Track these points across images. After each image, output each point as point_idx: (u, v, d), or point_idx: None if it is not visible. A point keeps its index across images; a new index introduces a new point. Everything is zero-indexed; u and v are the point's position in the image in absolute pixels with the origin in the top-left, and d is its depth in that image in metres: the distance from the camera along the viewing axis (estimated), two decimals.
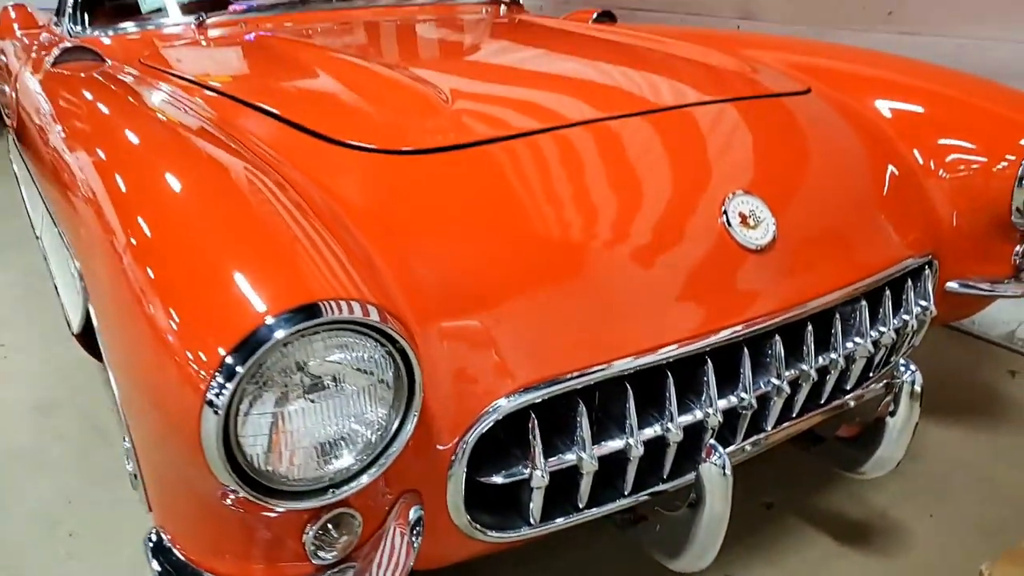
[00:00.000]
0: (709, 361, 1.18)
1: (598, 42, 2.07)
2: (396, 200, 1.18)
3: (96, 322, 1.14)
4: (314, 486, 0.91)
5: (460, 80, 1.64)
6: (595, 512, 1.18)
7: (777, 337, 1.24)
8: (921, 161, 1.59)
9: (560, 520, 1.16)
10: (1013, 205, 1.53)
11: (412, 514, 1.04)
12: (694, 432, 1.20)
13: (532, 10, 2.72)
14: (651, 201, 1.27)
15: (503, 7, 2.54)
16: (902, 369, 1.32)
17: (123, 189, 1.17)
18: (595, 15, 2.49)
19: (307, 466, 0.90)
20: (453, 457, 1.04)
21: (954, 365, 2.25)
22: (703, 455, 1.13)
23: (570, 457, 1.10)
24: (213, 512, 0.96)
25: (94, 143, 1.36)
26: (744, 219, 1.24)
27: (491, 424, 1.04)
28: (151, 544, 1.02)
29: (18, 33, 2.65)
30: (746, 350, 1.22)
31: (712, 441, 1.16)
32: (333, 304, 0.86)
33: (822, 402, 1.38)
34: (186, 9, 2.09)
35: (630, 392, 1.12)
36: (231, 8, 2.13)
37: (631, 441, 1.13)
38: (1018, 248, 1.61)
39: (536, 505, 1.12)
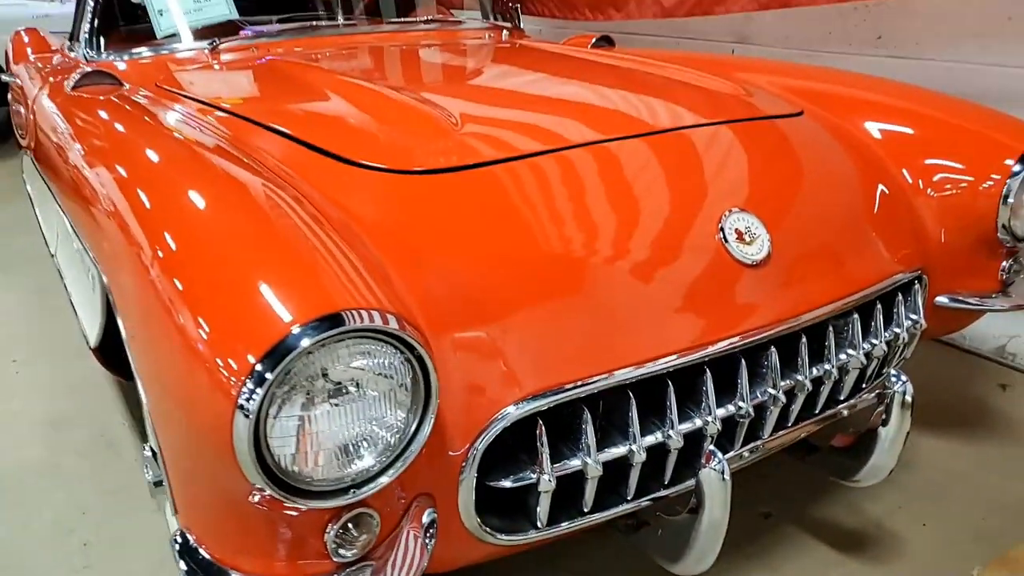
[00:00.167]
0: (708, 371, 1.23)
1: (598, 66, 2.14)
2: (408, 218, 1.23)
3: (124, 333, 1.19)
4: (336, 486, 0.96)
5: (468, 104, 1.70)
6: (599, 516, 1.22)
7: (773, 349, 1.29)
8: (910, 180, 1.65)
9: (566, 524, 1.20)
10: (999, 222, 1.58)
11: (426, 517, 1.08)
12: (694, 440, 1.24)
13: (532, 34, 2.78)
14: (651, 218, 1.32)
15: (505, 32, 2.60)
16: (893, 380, 1.37)
17: (148, 205, 1.22)
18: (594, 40, 2.55)
19: (330, 467, 0.95)
20: (464, 462, 1.09)
21: (946, 379, 2.29)
22: (703, 461, 1.18)
23: (576, 463, 1.15)
24: (238, 512, 1.01)
25: (118, 161, 1.42)
26: (740, 235, 1.30)
27: (500, 431, 1.09)
28: (178, 545, 1.06)
29: (32, 57, 2.71)
30: (743, 361, 1.27)
31: (711, 447, 1.20)
32: (355, 313, 0.91)
33: (817, 411, 1.43)
34: (199, 34, 2.15)
35: (632, 401, 1.17)
36: (242, 33, 2.19)
37: (634, 447, 1.17)
38: (1004, 264, 1.66)
39: (543, 509, 1.16)
